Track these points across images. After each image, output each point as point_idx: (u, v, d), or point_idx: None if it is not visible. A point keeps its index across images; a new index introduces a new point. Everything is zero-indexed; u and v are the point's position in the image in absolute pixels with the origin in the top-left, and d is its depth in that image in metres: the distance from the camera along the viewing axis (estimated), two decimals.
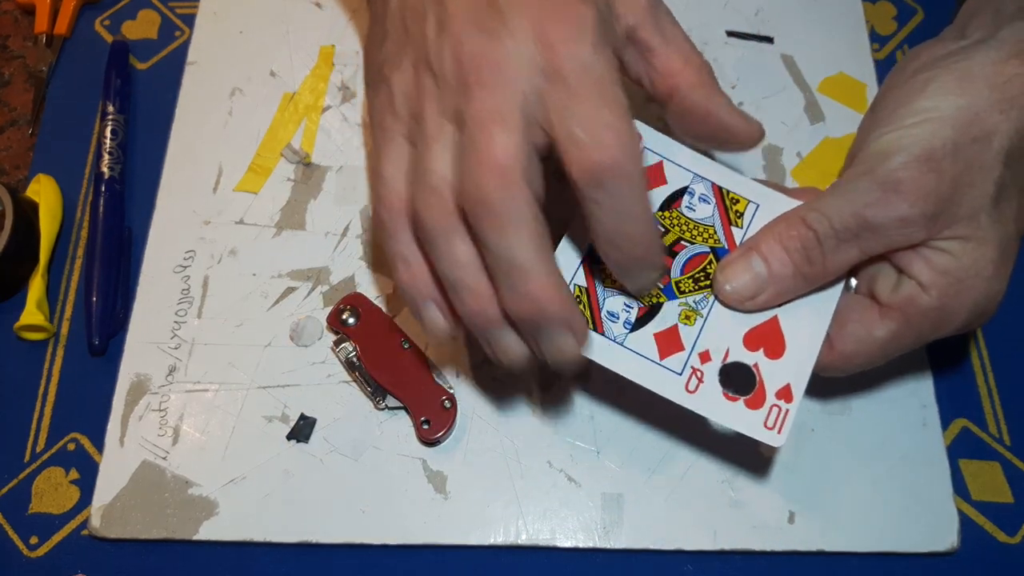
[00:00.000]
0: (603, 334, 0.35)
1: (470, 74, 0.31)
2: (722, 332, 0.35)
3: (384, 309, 0.42)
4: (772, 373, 0.34)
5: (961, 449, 0.41)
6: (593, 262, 0.36)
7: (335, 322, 0.41)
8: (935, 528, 0.38)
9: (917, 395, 0.41)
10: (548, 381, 0.41)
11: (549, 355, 0.32)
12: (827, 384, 0.41)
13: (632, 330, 0.35)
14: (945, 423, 0.41)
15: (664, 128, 0.38)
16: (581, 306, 0.35)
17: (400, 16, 0.35)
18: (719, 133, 0.36)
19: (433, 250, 0.32)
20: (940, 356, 0.43)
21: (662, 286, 0.36)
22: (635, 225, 0.31)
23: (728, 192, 0.37)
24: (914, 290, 0.34)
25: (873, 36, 0.51)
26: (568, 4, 0.32)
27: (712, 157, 0.39)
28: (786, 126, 0.48)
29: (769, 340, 0.35)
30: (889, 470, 0.39)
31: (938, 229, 0.33)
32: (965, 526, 0.39)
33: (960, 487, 0.40)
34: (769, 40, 0.50)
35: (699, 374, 0.34)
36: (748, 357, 0.35)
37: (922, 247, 0.34)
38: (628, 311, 0.35)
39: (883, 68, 0.49)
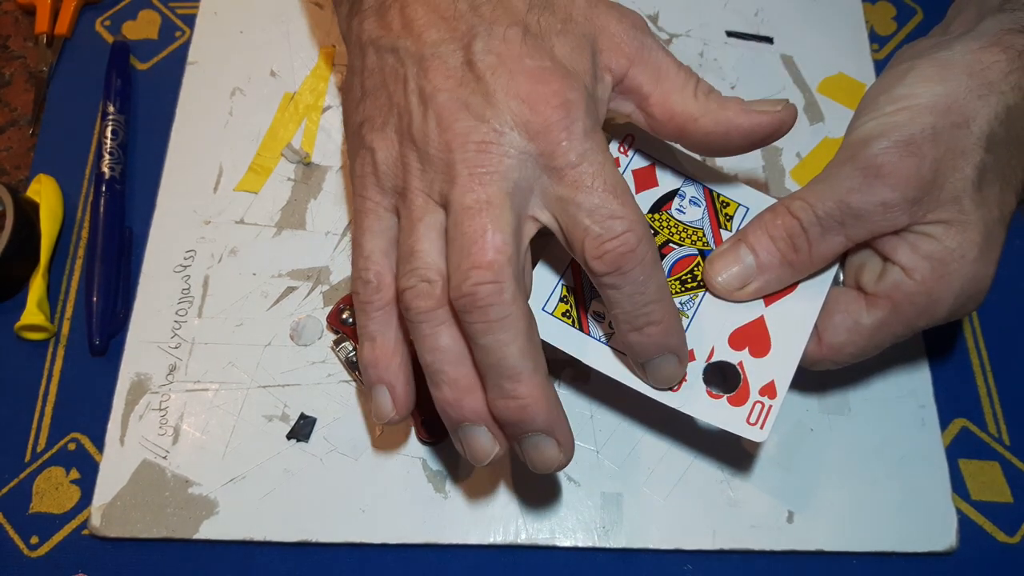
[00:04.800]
0: (588, 334, 0.35)
1: (457, 159, 0.31)
2: (707, 332, 0.35)
3: None
4: (756, 370, 0.35)
5: (960, 449, 0.41)
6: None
7: (335, 321, 0.41)
8: (934, 528, 0.38)
9: (916, 395, 0.41)
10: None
11: (531, 461, 0.32)
12: (826, 384, 0.41)
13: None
14: (944, 423, 0.41)
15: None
16: (568, 306, 0.36)
17: (379, 76, 0.34)
18: (749, 140, 0.35)
19: (416, 334, 0.32)
20: (939, 356, 0.43)
21: None
22: (656, 307, 0.32)
23: (719, 195, 0.38)
24: (899, 276, 0.34)
25: (873, 36, 0.51)
26: (556, 88, 0.31)
27: (703, 161, 0.39)
28: None
29: (754, 339, 0.35)
30: (888, 470, 0.40)
31: (921, 213, 0.33)
32: (964, 526, 0.39)
33: (959, 487, 0.40)
34: (769, 40, 0.50)
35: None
36: (733, 356, 0.35)
37: (906, 232, 0.34)
38: None
39: (883, 68, 0.49)
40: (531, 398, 0.30)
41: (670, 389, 0.34)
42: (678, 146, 0.38)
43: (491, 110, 0.31)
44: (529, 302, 0.32)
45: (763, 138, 0.35)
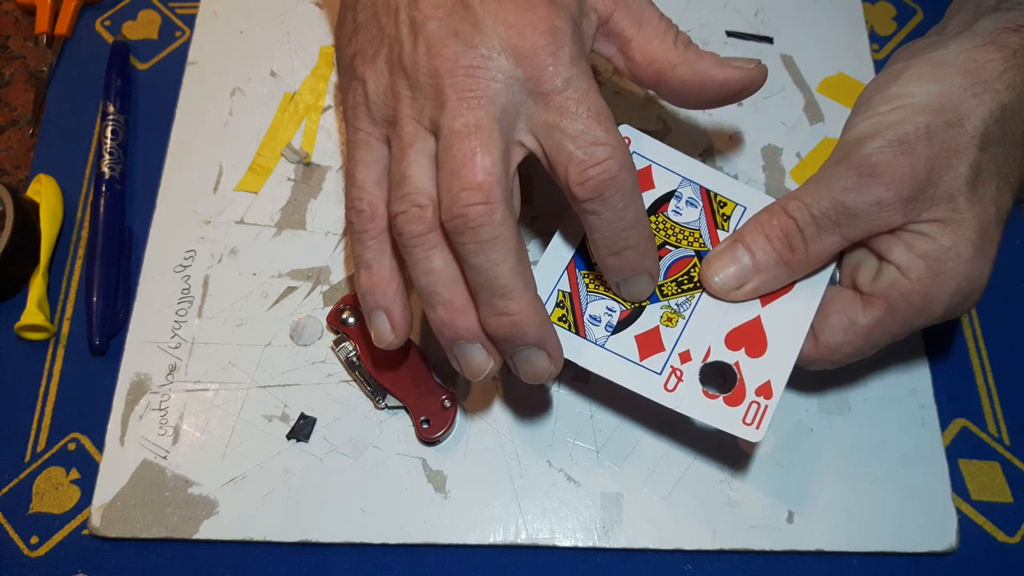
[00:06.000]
0: (585, 337, 0.35)
1: (446, 84, 0.32)
2: (703, 333, 0.35)
3: None
4: (752, 371, 0.35)
5: (960, 449, 0.41)
6: (577, 268, 0.36)
7: (335, 321, 0.41)
8: (934, 528, 0.38)
9: (916, 395, 0.41)
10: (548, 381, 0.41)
11: (523, 373, 0.33)
12: (825, 384, 0.41)
13: (613, 333, 0.35)
14: (944, 423, 0.41)
15: (654, 134, 0.38)
16: (564, 310, 0.36)
17: (371, 9, 0.35)
18: (721, 93, 0.37)
19: (409, 258, 0.32)
20: (939, 355, 0.43)
21: None
22: (633, 231, 0.33)
23: (716, 195, 0.38)
24: (895, 275, 0.34)
25: (873, 36, 0.51)
26: (543, 14, 0.32)
27: (703, 161, 0.39)
28: (785, 126, 0.48)
29: (750, 339, 0.35)
30: (888, 470, 0.40)
31: (916, 212, 0.33)
32: (964, 526, 0.39)
33: (959, 487, 0.40)
34: (769, 40, 0.50)
35: (679, 373, 0.35)
36: (729, 356, 0.35)
37: (901, 231, 0.34)
38: (610, 314, 0.36)
39: (882, 69, 0.49)
40: (522, 314, 0.31)
41: (666, 387, 0.34)
42: (675, 148, 0.38)
43: (479, 36, 0.32)
44: None
45: (735, 92, 0.37)
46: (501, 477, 0.39)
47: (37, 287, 0.43)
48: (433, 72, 0.32)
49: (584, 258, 0.37)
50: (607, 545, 0.38)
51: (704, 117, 0.48)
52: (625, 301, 0.36)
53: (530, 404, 0.41)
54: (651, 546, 0.38)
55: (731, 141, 0.47)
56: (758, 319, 0.36)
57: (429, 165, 0.32)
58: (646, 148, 0.38)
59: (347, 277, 0.43)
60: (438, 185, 0.32)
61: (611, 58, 0.37)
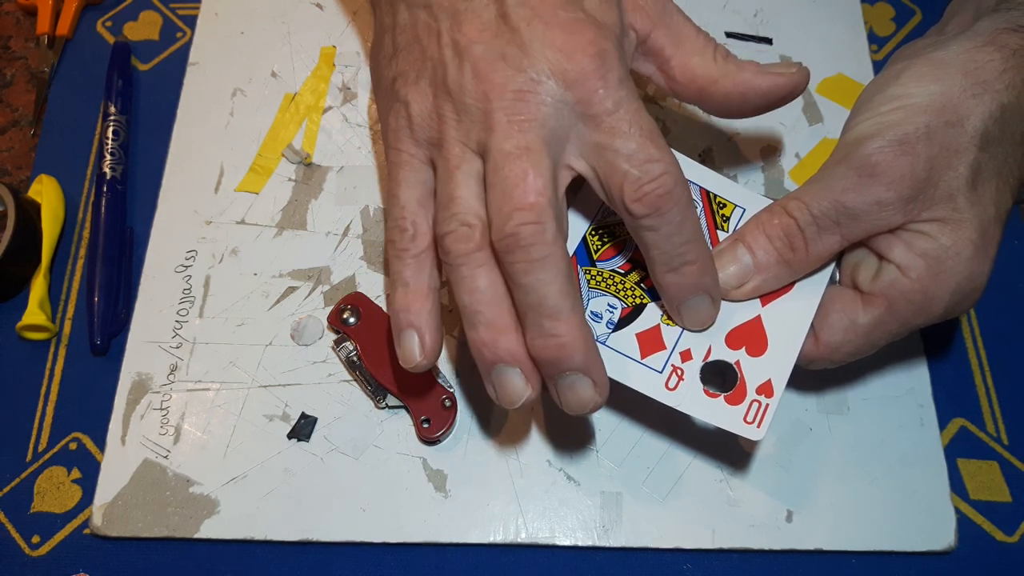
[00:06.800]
0: None
1: (496, 108, 0.32)
2: (704, 332, 0.36)
3: (385, 309, 0.42)
4: (753, 369, 0.35)
5: (959, 448, 0.41)
6: (579, 264, 0.36)
7: (336, 321, 0.41)
8: (933, 527, 0.39)
9: (915, 394, 0.41)
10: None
11: (566, 402, 0.33)
12: (825, 383, 0.41)
13: (615, 330, 0.35)
14: (943, 422, 0.41)
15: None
16: None
17: (412, 31, 0.35)
18: (766, 101, 0.37)
19: (454, 277, 0.32)
20: (938, 355, 0.43)
21: (645, 287, 0.36)
22: (692, 247, 0.33)
23: (715, 196, 0.38)
24: (895, 274, 0.34)
25: (872, 37, 0.52)
26: (590, 37, 0.32)
27: (703, 162, 0.39)
28: (785, 127, 0.48)
29: (751, 338, 0.35)
30: (887, 469, 0.40)
31: (916, 212, 0.33)
32: (963, 525, 0.39)
33: (958, 486, 0.40)
34: (768, 41, 0.51)
35: (680, 372, 0.35)
36: (730, 355, 0.35)
37: (901, 231, 0.34)
38: (612, 311, 0.36)
39: (882, 69, 0.49)
40: (570, 336, 0.31)
41: (671, 389, 0.35)
42: (674, 151, 0.38)
43: (527, 60, 0.32)
44: None
45: (780, 98, 0.37)
46: (501, 476, 0.39)
47: (38, 287, 0.43)
48: (482, 96, 0.32)
49: (587, 254, 0.37)
50: (607, 544, 0.38)
51: (704, 118, 0.48)
52: (690, 328, 0.35)
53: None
54: (650, 545, 0.38)
55: (730, 142, 0.47)
56: (759, 318, 0.36)
57: (477, 186, 0.32)
58: None
59: (347, 277, 0.44)
60: (488, 206, 0.32)
61: (651, 76, 0.37)
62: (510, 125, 0.31)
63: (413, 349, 0.34)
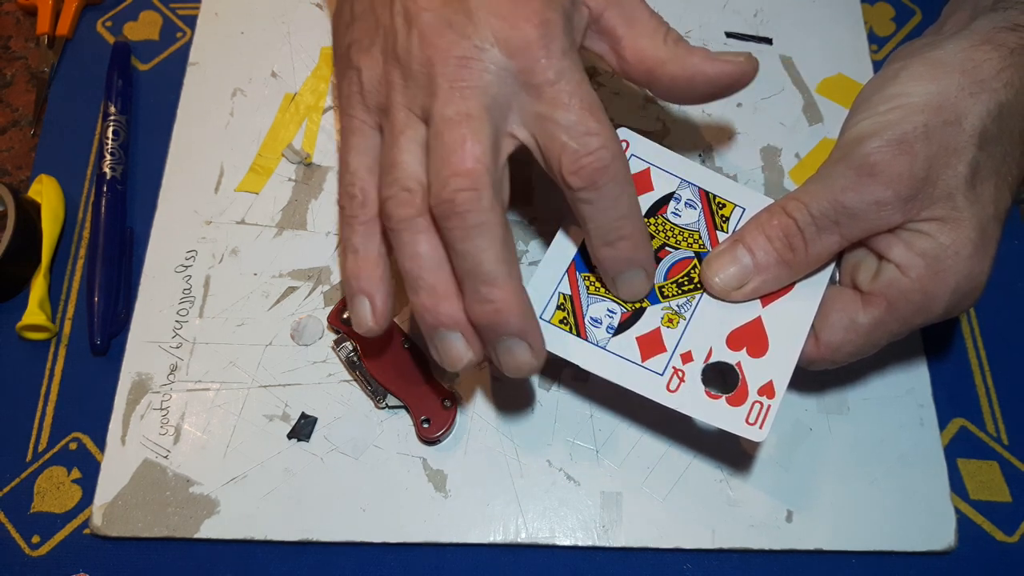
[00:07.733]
0: (586, 339, 0.35)
1: (439, 73, 0.32)
2: (705, 333, 0.36)
3: None
4: (755, 371, 0.35)
5: (959, 448, 0.41)
6: (578, 270, 0.37)
7: (336, 321, 0.41)
8: (933, 527, 0.39)
9: (915, 394, 0.41)
10: (548, 381, 0.41)
11: (505, 365, 0.33)
12: (825, 383, 0.41)
13: (615, 334, 0.36)
14: (943, 422, 0.41)
15: (653, 135, 0.38)
16: (565, 312, 0.36)
17: (368, 0, 0.35)
18: (712, 88, 0.37)
19: (396, 242, 0.33)
20: (938, 355, 0.43)
21: None
22: (627, 221, 0.33)
23: (715, 196, 0.38)
24: (894, 274, 0.34)
25: (871, 37, 0.52)
26: (535, 7, 0.32)
27: (703, 162, 0.39)
28: (784, 127, 0.48)
29: (752, 339, 0.35)
30: (887, 469, 0.40)
31: (914, 211, 0.33)
32: (963, 525, 0.39)
33: (958, 486, 0.40)
34: (768, 41, 0.51)
35: (681, 374, 0.35)
36: (731, 356, 0.35)
37: (900, 230, 0.34)
38: (611, 316, 0.36)
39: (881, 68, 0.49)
40: (505, 302, 0.31)
41: (668, 385, 0.35)
42: (673, 151, 0.39)
43: (472, 27, 0.32)
44: None
45: (726, 86, 0.37)
46: (501, 476, 0.39)
47: (38, 287, 0.43)
48: (426, 61, 0.32)
49: (585, 260, 0.37)
50: (607, 544, 0.38)
51: (703, 118, 0.48)
52: (623, 301, 0.36)
53: (530, 404, 0.41)
54: (650, 545, 0.38)
55: (730, 142, 0.47)
56: (759, 319, 0.36)
57: (419, 152, 0.33)
58: (644, 150, 0.38)
59: None
60: (428, 171, 0.32)
61: (603, 55, 0.37)
62: (452, 91, 0.32)
63: (365, 314, 0.34)
